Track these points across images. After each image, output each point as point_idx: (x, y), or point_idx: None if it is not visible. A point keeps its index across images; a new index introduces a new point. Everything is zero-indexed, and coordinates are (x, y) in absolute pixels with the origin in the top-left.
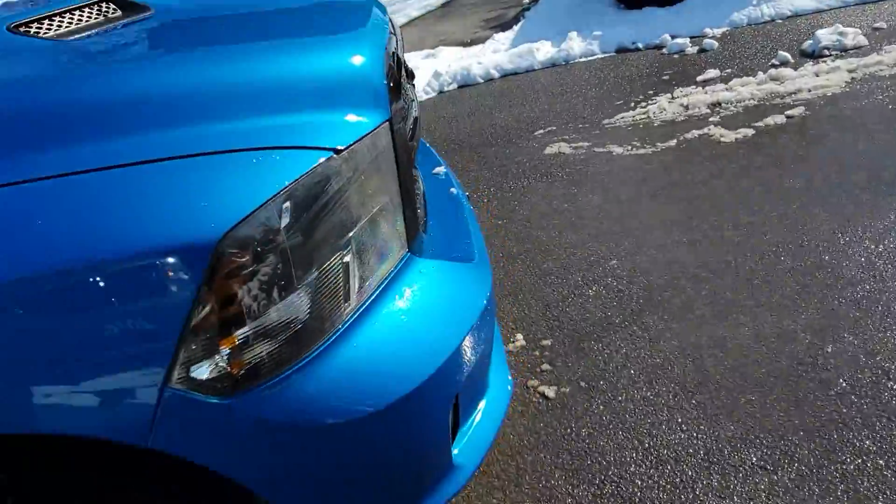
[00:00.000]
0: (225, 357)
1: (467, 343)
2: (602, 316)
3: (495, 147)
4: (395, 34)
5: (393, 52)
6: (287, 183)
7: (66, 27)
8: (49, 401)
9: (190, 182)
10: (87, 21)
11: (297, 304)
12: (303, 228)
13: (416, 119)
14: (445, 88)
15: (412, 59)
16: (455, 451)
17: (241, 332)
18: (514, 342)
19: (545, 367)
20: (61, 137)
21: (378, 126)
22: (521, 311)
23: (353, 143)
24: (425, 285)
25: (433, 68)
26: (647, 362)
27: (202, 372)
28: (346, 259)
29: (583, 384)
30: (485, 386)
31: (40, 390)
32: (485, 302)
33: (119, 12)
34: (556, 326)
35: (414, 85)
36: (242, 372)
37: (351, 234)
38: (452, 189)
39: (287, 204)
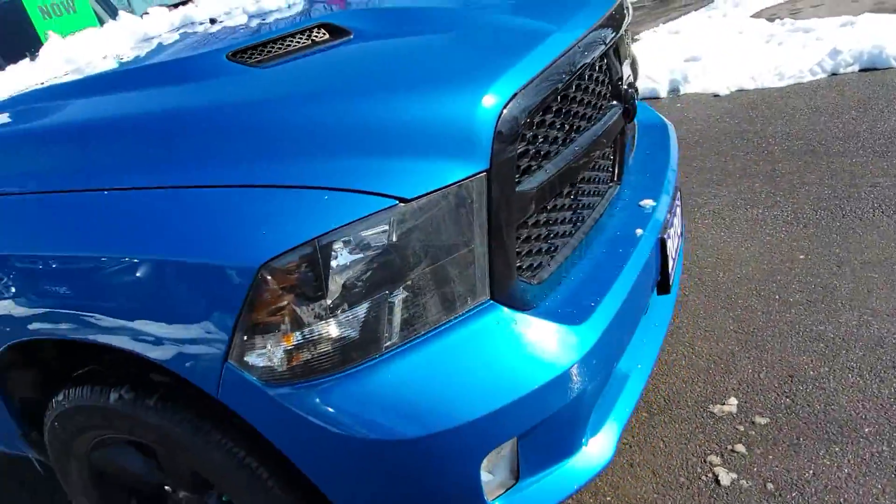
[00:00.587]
0: (265, 355)
1: (523, 404)
2: (851, 417)
3: (857, 158)
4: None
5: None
6: (337, 225)
7: (274, 53)
8: (172, 346)
9: (257, 209)
10: (294, 46)
11: (328, 329)
12: (344, 267)
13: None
14: (841, 70)
15: (825, 27)
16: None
17: (276, 340)
18: (722, 404)
19: (739, 447)
20: (201, 155)
21: (467, 178)
22: (754, 372)
23: (426, 195)
24: (495, 336)
25: (832, 44)
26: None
27: (250, 358)
28: (393, 300)
29: (770, 486)
30: (569, 448)
31: (169, 335)
32: (564, 369)
33: (326, 35)
34: (785, 406)
35: (635, 90)
36: (280, 369)
37: (407, 279)
38: (639, 230)
39: (337, 243)
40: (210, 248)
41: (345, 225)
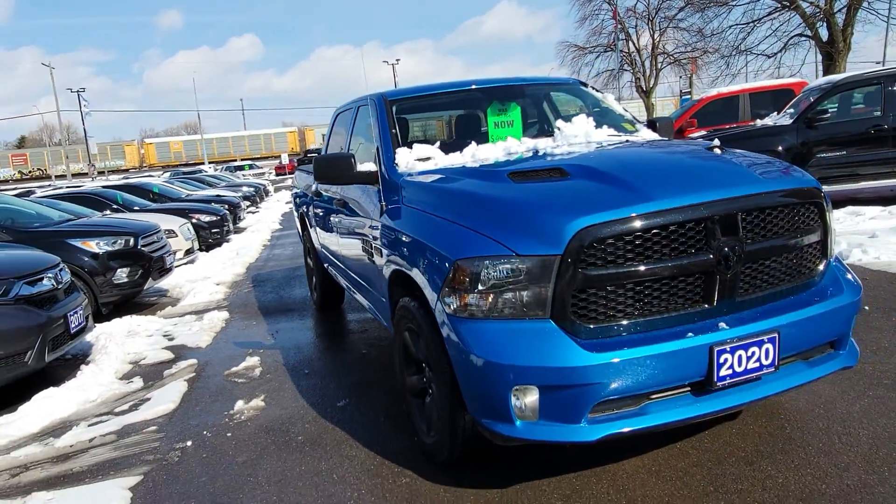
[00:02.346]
0: (451, 300)
1: (538, 369)
2: None
3: None
4: None
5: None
6: (488, 254)
7: (527, 176)
8: (425, 282)
9: (462, 236)
10: (537, 176)
11: (475, 299)
12: (485, 274)
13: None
14: None
15: None
16: (517, 424)
17: (456, 295)
18: None
19: None
20: None
21: (552, 255)
22: None
23: (526, 255)
24: (540, 333)
25: None
26: None
27: (446, 298)
28: (503, 297)
29: None
30: (571, 418)
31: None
32: (561, 365)
33: (557, 175)
34: None
35: None
36: (455, 307)
37: (511, 291)
38: (691, 333)
39: (486, 261)
40: (445, 247)
41: (491, 255)
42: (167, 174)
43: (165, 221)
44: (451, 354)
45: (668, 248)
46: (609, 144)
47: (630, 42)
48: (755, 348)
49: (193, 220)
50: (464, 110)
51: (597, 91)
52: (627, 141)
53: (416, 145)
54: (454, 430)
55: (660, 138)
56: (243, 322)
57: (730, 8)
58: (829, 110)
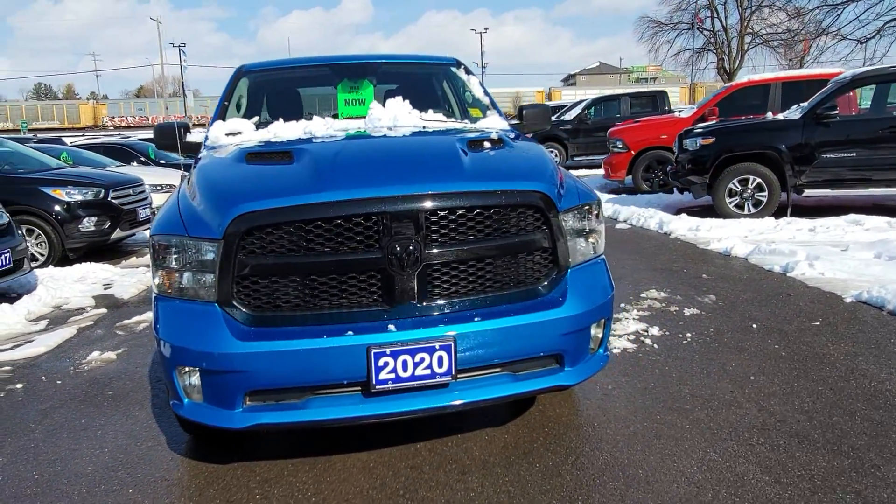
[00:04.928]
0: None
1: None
2: None
3: None
4: None
5: None
6: (165, 232)
7: None
8: None
9: None
10: None
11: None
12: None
13: None
14: None
15: None
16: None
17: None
18: None
19: None
20: None
21: (210, 238)
22: None
23: (195, 237)
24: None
25: None
26: None
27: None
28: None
29: None
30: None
31: None
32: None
33: None
34: None
35: None
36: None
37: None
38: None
39: (166, 240)
40: (156, 222)
41: (169, 234)
42: None
43: (172, 176)
44: None
45: (333, 241)
46: (381, 131)
47: (717, 20)
48: (424, 354)
49: None
50: (321, 87)
51: (470, 74)
52: (424, 128)
53: (231, 120)
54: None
55: (470, 127)
56: None
57: None
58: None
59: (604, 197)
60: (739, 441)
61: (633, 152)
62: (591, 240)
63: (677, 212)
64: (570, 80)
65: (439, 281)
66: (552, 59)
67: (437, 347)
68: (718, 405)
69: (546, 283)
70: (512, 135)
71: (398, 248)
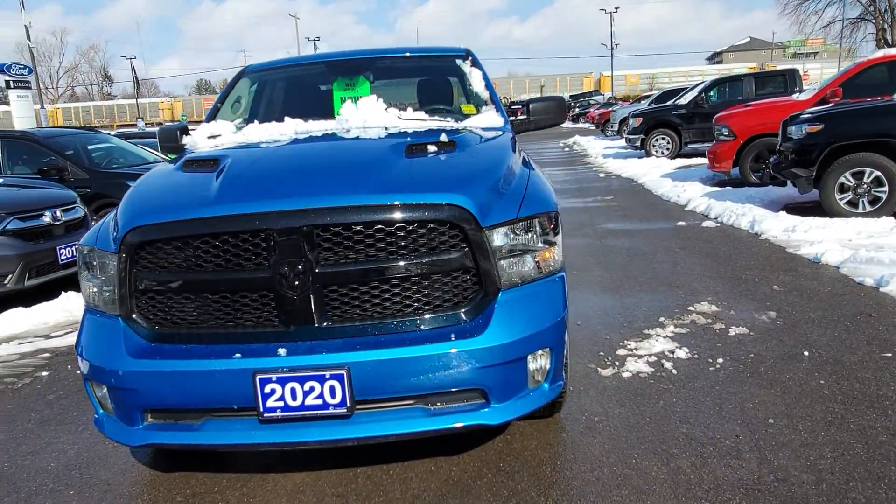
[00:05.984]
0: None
1: None
2: None
3: None
4: None
5: None
6: (84, 243)
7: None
8: None
9: None
10: None
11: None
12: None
13: None
14: None
15: None
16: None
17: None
18: None
19: None
20: None
21: (108, 251)
22: None
23: (99, 250)
24: None
25: None
26: None
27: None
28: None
29: None
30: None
31: None
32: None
33: None
34: None
35: None
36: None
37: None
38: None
39: (84, 251)
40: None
41: (86, 245)
42: None
43: None
44: None
45: (222, 258)
46: (347, 132)
47: None
48: (314, 383)
49: None
50: (321, 85)
51: (475, 67)
52: (391, 129)
53: (216, 122)
54: None
55: (450, 126)
56: None
57: None
58: None
59: (703, 190)
60: (714, 503)
61: (740, 140)
62: (537, 257)
63: (783, 209)
64: (715, 58)
65: (338, 303)
66: (698, 35)
67: (328, 376)
68: (712, 453)
69: (468, 307)
70: (489, 134)
71: (286, 268)
